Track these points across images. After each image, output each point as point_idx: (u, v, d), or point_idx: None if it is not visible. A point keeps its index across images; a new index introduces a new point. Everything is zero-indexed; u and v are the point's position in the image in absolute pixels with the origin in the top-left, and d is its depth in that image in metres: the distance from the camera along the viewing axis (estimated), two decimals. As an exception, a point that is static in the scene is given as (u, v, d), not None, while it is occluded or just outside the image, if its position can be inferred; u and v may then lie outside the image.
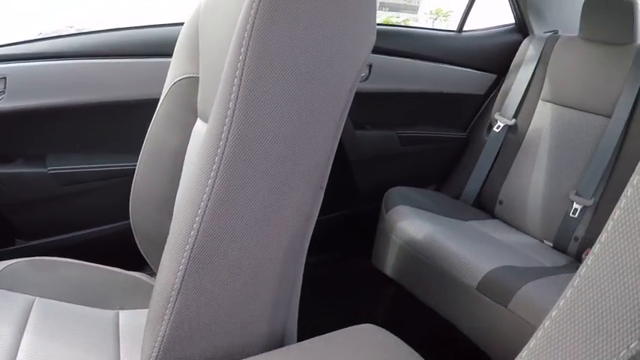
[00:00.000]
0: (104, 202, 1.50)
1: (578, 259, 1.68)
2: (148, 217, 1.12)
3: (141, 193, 1.12)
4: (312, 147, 0.70)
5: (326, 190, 0.77)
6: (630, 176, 1.28)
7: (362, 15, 0.69)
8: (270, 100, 0.64)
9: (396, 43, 1.88)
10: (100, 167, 1.46)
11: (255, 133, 0.65)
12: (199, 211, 0.67)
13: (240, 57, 0.63)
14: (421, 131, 2.00)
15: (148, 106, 1.18)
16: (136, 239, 1.16)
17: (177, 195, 1.05)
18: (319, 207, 0.77)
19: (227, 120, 0.64)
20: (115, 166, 1.47)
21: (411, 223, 1.58)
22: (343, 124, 0.74)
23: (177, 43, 1.08)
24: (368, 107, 1.87)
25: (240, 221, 0.68)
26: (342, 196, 1.90)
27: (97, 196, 1.48)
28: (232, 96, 0.64)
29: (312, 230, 0.79)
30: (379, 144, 1.91)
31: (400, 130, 1.95)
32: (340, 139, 0.76)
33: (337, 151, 0.77)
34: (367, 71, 1.79)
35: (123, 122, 1.47)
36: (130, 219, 1.15)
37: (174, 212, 1.03)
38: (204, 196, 0.66)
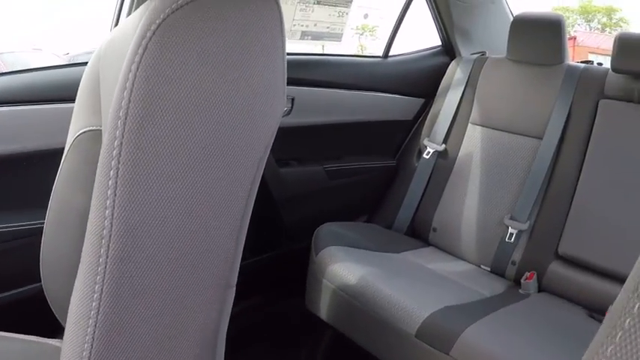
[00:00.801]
0: (13, 264, 1.34)
1: (517, 283, 1.65)
2: (58, 281, 0.98)
3: (50, 255, 1.00)
4: (215, 245, 0.59)
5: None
6: (564, 198, 1.51)
7: (271, 84, 0.61)
8: (154, 184, 0.53)
9: (319, 74, 1.81)
10: (5, 227, 1.31)
11: (141, 217, 0.53)
12: (95, 295, 0.55)
13: (117, 135, 0.52)
14: (349, 163, 1.94)
15: (56, 157, 1.06)
16: (49, 303, 1.02)
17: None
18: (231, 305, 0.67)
19: (108, 200, 0.52)
20: (23, 225, 1.32)
21: (343, 267, 1.49)
22: (254, 198, 0.65)
23: (79, 90, 0.96)
24: (292, 142, 1.78)
25: (146, 309, 0.56)
26: (269, 236, 1.83)
27: (4, 258, 1.33)
28: (112, 173, 0.52)
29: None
30: (305, 180, 1.84)
31: (327, 164, 1.88)
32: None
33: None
34: (290, 105, 1.70)
35: (29, 176, 1.32)
36: (42, 282, 1.02)
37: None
38: (98, 278, 0.55)
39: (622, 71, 1.67)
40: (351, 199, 2.01)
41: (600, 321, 1.40)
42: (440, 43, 2.15)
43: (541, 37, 1.80)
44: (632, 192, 1.57)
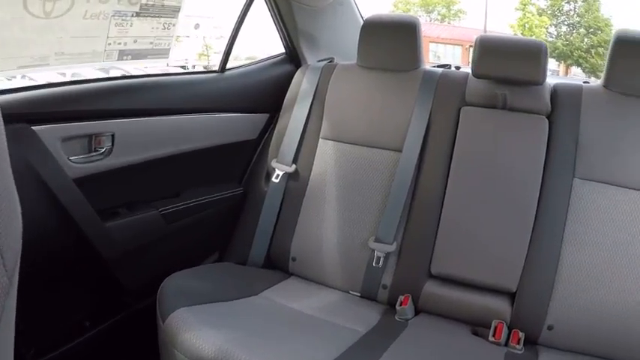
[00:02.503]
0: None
1: (391, 305, 1.58)
2: None
3: None
4: None
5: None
6: (431, 213, 1.56)
7: None
8: None
9: (144, 100, 1.58)
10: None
11: None
12: None
13: None
14: (190, 200, 1.71)
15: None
16: None
17: None
18: None
19: None
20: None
21: (196, 335, 1.26)
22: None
23: None
24: (117, 188, 1.54)
25: None
26: (106, 302, 1.59)
27: None
28: None
29: None
30: (139, 230, 1.58)
31: (164, 206, 1.63)
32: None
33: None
34: (109, 143, 1.46)
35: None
36: None
37: None
38: None
39: (483, 76, 1.63)
40: (197, 239, 1.79)
41: (485, 336, 1.44)
42: (283, 50, 2.00)
43: (394, 41, 1.73)
44: (499, 202, 1.55)
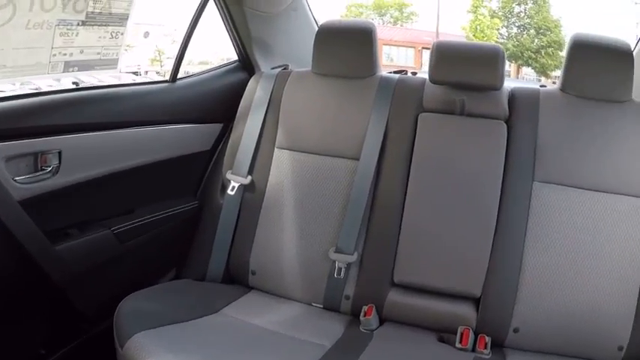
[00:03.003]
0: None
1: (355, 316, 1.56)
2: None
3: None
4: None
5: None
6: (391, 222, 1.57)
7: None
8: None
9: (91, 114, 1.52)
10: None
11: None
12: None
13: None
14: (144, 217, 1.64)
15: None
16: None
17: None
18: None
19: None
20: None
21: None
22: None
23: None
24: (66, 208, 1.48)
25: None
26: (62, 328, 1.53)
27: None
28: None
29: None
30: (91, 251, 1.51)
31: (117, 225, 1.56)
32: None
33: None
34: (56, 161, 1.40)
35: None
36: None
37: None
38: None
39: (441, 82, 1.63)
40: (153, 256, 1.73)
41: (452, 342, 1.44)
42: (236, 57, 1.96)
43: (349, 47, 1.70)
44: (460, 208, 1.55)
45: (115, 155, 1.54)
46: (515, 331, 1.49)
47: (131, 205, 1.64)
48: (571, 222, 1.50)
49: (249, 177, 1.70)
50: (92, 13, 1.42)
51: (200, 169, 1.86)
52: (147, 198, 1.68)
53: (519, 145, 1.57)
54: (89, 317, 1.57)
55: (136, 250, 1.63)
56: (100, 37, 1.51)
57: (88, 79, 1.77)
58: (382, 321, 1.57)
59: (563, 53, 1.67)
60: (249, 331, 1.42)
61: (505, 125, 1.59)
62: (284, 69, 1.86)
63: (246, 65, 1.94)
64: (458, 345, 1.45)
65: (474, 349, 1.45)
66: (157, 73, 2.80)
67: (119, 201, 1.61)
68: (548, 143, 1.56)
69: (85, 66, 1.51)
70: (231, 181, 1.70)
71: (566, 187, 1.53)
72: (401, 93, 1.67)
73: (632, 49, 1.57)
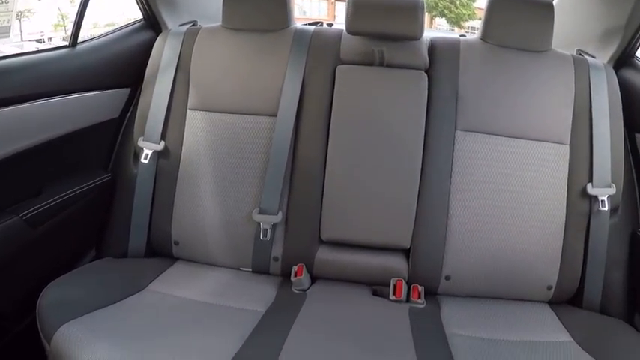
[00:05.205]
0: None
1: (286, 277, 1.55)
2: None
3: None
4: None
5: None
6: (314, 178, 1.56)
7: None
8: None
9: None
10: None
11: None
12: None
13: None
14: (53, 198, 1.50)
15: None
16: None
17: None
18: None
19: None
20: None
21: (87, 354, 1.11)
22: None
23: None
24: None
25: None
26: None
27: None
28: None
29: None
30: (1, 241, 1.35)
31: (25, 211, 1.42)
32: None
33: None
34: None
35: None
36: None
37: None
38: None
39: (359, 33, 1.60)
40: (69, 238, 1.61)
41: (385, 295, 1.46)
42: (141, 16, 1.82)
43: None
44: (383, 161, 1.54)
45: (14, 134, 1.39)
46: (447, 278, 1.52)
47: (38, 186, 1.51)
48: (494, 169, 1.53)
49: (163, 143, 1.63)
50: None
51: (109, 140, 1.75)
52: (55, 177, 1.56)
53: (440, 95, 1.57)
54: (9, 315, 1.45)
55: (50, 235, 1.51)
56: (-17, 4, 1.36)
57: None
58: (314, 279, 1.57)
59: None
60: (179, 305, 1.37)
61: (426, 75, 1.59)
62: (192, 25, 1.77)
63: (151, 24, 1.82)
64: (392, 297, 1.47)
65: (408, 300, 1.48)
66: (63, 39, 2.61)
67: (25, 183, 1.47)
68: (468, 92, 1.57)
69: (-27, 36, 1.36)
70: (144, 149, 1.62)
71: (487, 134, 1.55)
72: (317, 45, 1.64)
73: None
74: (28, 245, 1.44)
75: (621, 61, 1.70)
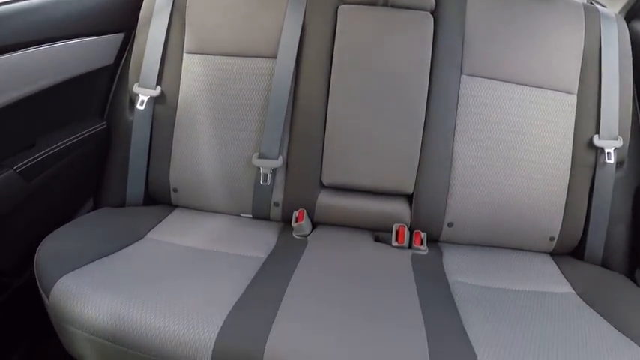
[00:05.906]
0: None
1: (287, 223, 1.57)
2: None
3: None
4: None
5: None
6: (315, 122, 1.54)
7: None
8: None
9: None
10: None
11: None
12: None
13: None
14: (48, 148, 1.46)
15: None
16: None
17: None
18: None
19: None
20: None
21: (87, 305, 1.11)
22: None
23: None
24: None
25: None
26: None
27: None
28: None
29: None
30: None
31: (19, 163, 1.38)
32: None
33: None
34: None
35: None
36: None
37: None
38: None
39: None
40: (66, 189, 1.58)
41: (388, 240, 1.46)
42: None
43: None
44: (386, 104, 1.50)
45: (3, 85, 1.32)
46: (450, 225, 1.51)
47: (32, 137, 1.46)
48: (499, 115, 1.50)
49: (159, 88, 1.59)
50: None
51: (104, 87, 1.70)
52: (49, 128, 1.51)
53: (446, 38, 1.53)
54: (8, 270, 1.44)
55: (46, 187, 1.47)
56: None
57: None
58: (315, 225, 1.57)
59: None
60: (178, 253, 1.36)
61: (431, 17, 1.54)
62: None
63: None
64: (394, 243, 1.47)
65: (410, 246, 1.48)
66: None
67: (18, 135, 1.42)
68: (476, 35, 1.52)
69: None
70: (140, 95, 1.58)
71: (494, 80, 1.51)
72: None
73: None
74: (24, 198, 1.40)
75: (632, 13, 1.65)
